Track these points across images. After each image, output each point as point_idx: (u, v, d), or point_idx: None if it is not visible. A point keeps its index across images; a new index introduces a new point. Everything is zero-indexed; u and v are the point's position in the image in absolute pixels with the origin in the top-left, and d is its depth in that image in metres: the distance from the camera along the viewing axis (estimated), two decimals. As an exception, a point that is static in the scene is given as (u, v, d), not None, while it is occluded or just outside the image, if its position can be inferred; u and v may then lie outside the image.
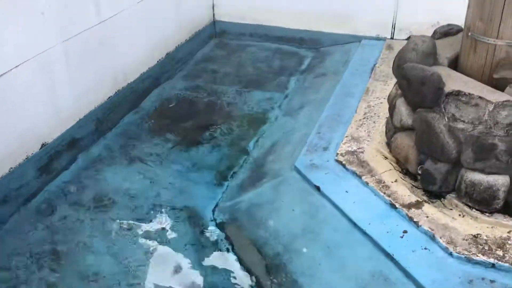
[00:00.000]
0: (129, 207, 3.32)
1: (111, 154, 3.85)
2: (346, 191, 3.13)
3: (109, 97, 4.27)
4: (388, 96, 3.45)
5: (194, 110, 4.44)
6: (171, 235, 3.11)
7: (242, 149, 3.92)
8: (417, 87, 2.88)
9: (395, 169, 3.25)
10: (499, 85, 2.81)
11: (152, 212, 3.28)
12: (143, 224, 3.18)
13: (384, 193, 3.05)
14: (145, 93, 4.65)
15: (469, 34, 2.92)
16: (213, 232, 3.14)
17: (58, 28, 3.62)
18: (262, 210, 3.20)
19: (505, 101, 2.65)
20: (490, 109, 2.66)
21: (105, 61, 4.17)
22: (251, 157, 3.81)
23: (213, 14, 5.97)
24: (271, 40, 5.72)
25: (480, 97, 2.69)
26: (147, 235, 3.10)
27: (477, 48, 2.90)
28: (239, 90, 4.74)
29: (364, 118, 3.85)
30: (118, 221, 3.20)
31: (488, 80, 2.89)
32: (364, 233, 2.85)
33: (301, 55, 5.45)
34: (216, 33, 5.97)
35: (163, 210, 3.31)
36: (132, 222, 3.20)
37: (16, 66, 3.31)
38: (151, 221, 3.21)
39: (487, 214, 2.83)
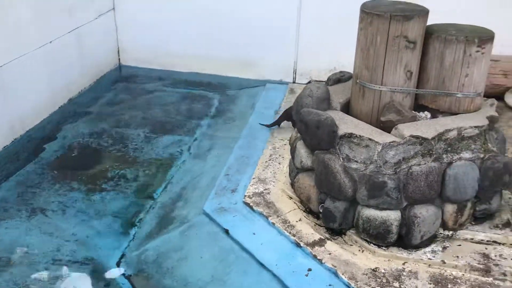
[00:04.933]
0: (26, 264, 3.10)
1: (7, 206, 3.59)
2: (254, 233, 3.19)
3: (4, 146, 4.03)
4: (290, 139, 3.61)
5: (98, 156, 4.31)
6: (73, 291, 2.95)
7: (148, 195, 3.85)
8: (313, 130, 3.05)
9: (299, 208, 3.38)
10: (386, 127, 3.06)
11: (51, 267, 3.09)
12: (41, 282, 2.98)
13: (290, 232, 3.15)
14: (45, 140, 4.45)
15: (358, 81, 3.18)
16: (119, 285, 3.01)
17: None
18: (170, 258, 3.14)
19: (391, 142, 2.89)
20: (379, 150, 2.89)
21: (1, 109, 3.96)
22: (159, 203, 3.76)
23: (119, 59, 5.93)
24: (179, 84, 5.78)
25: (369, 139, 2.92)
26: (46, 293, 2.91)
27: (365, 94, 3.16)
28: (147, 135, 4.69)
29: (269, 159, 3.98)
30: (14, 280, 2.97)
31: (377, 123, 3.15)
32: (272, 274, 2.90)
33: (209, 98, 5.55)
34: (121, 77, 5.91)
35: (63, 264, 3.12)
36: (29, 281, 2.98)
37: None
38: (50, 278, 3.02)
39: (383, 247, 3.02)
